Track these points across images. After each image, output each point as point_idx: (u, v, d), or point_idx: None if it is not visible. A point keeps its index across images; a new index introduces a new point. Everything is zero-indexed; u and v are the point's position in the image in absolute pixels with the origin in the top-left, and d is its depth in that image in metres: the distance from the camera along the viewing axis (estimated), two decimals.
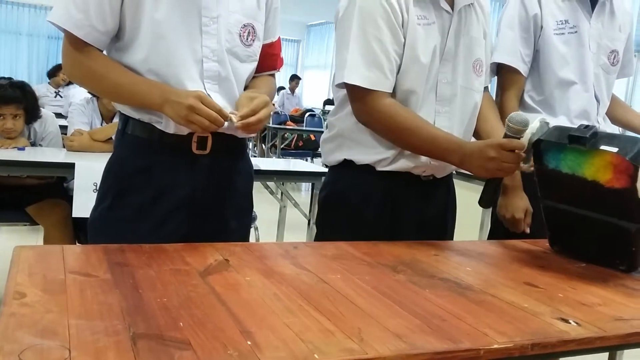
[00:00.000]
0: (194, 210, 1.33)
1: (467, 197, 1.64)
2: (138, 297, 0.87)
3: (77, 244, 2.81)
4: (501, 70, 1.73)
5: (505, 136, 1.27)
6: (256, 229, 3.30)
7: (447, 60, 1.43)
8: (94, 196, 2.32)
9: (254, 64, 1.39)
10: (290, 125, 8.01)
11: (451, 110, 1.45)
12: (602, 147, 1.20)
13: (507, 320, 0.91)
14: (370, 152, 1.45)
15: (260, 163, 2.95)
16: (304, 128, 7.85)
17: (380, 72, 1.36)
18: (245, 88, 1.38)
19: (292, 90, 10.56)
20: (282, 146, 7.54)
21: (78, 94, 6.39)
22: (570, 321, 0.92)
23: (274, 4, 1.42)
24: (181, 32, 1.25)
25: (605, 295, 1.08)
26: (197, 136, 1.29)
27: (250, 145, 9.53)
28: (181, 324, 0.78)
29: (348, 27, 1.37)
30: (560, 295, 1.06)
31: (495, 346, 0.81)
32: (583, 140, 1.22)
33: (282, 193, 3.31)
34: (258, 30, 1.36)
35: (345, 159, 1.50)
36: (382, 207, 1.46)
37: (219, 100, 1.27)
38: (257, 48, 1.38)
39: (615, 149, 1.18)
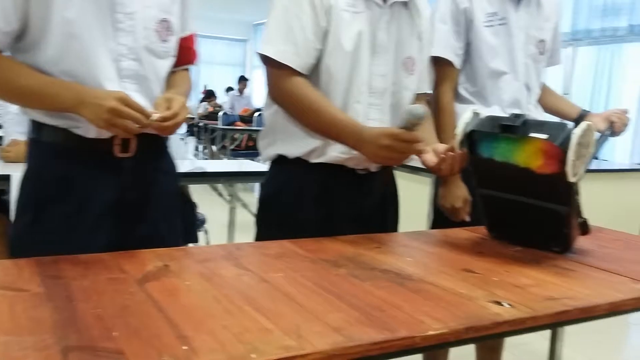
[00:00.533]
0: (123, 216, 1.29)
1: (413, 188, 1.67)
2: (72, 309, 0.85)
3: None
4: (436, 64, 1.77)
5: (402, 127, 1.28)
6: (206, 232, 3.27)
7: (380, 54, 1.45)
8: None
9: (172, 60, 1.36)
10: (240, 125, 7.95)
11: (383, 104, 1.47)
12: (532, 135, 1.24)
13: (443, 306, 0.93)
14: (300, 144, 1.45)
15: (206, 165, 2.92)
16: (254, 128, 7.80)
17: (294, 48, 1.38)
18: (166, 86, 1.35)
19: (241, 91, 10.50)
20: (232, 147, 7.48)
21: None
22: (504, 303, 0.95)
23: None
24: (95, 30, 1.20)
25: (538, 276, 1.13)
26: (120, 139, 1.26)
27: (200, 147, 9.42)
28: (115, 333, 0.77)
29: (274, 4, 1.41)
30: (495, 279, 1.10)
31: (431, 332, 0.83)
32: (514, 128, 1.26)
33: (230, 195, 3.29)
34: (174, 24, 1.33)
35: (278, 154, 1.51)
36: (317, 202, 1.47)
37: (139, 99, 1.23)
38: (173, 43, 1.35)
39: (544, 136, 1.23)
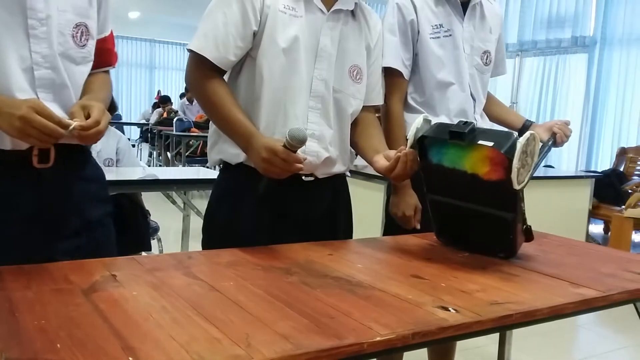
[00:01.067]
0: (47, 228, 1.23)
1: (367, 195, 1.69)
2: (14, 321, 0.83)
3: None
4: (386, 75, 1.80)
5: (284, 145, 1.30)
6: (159, 240, 3.22)
7: (323, 58, 1.47)
8: None
9: (90, 65, 1.29)
10: (195, 132, 7.86)
11: (324, 109, 1.48)
12: (480, 142, 1.28)
13: (391, 312, 0.95)
14: (235, 147, 1.45)
15: (159, 172, 2.88)
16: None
17: (213, 42, 1.41)
18: (83, 91, 1.28)
19: (190, 100, 10.32)
20: (187, 153, 7.39)
21: None
22: (450, 309, 0.98)
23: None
24: (5, 37, 1.12)
25: (484, 282, 1.16)
26: (38, 149, 1.18)
27: (155, 154, 9.26)
28: (59, 345, 0.75)
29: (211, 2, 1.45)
30: (442, 284, 1.12)
31: (378, 338, 0.84)
32: (462, 135, 1.29)
33: (184, 203, 3.25)
34: (91, 28, 1.27)
35: (222, 160, 1.51)
36: (261, 208, 1.45)
37: (55, 109, 1.15)
38: (91, 47, 1.28)
39: (491, 143, 1.27)
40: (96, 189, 1.35)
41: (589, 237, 4.54)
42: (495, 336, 1.88)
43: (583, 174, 4.94)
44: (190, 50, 1.44)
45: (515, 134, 1.28)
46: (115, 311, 0.89)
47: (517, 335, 2.07)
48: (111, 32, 1.39)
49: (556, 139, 1.87)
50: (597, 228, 5.61)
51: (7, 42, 1.13)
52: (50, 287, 0.98)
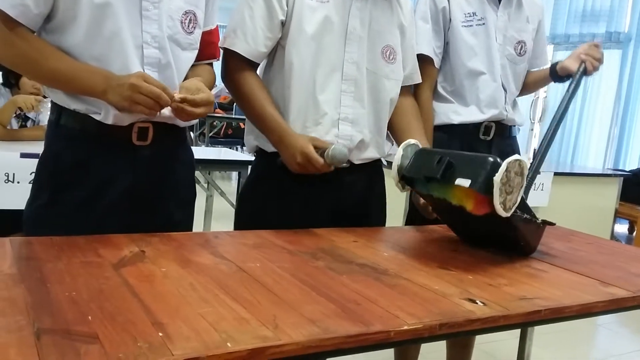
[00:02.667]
0: (136, 204, 1.29)
1: (391, 184, 1.67)
2: (45, 291, 0.84)
3: None
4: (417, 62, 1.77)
5: (322, 154, 1.35)
6: None
7: (353, 41, 1.46)
8: (6, 187, 2.22)
9: (195, 52, 1.36)
10: (219, 113, 7.88)
11: (358, 92, 1.47)
12: (457, 182, 1.20)
13: (418, 302, 0.94)
14: None
15: None
16: (233, 116, 7.75)
17: (242, 36, 1.42)
18: (186, 77, 1.35)
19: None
20: (210, 134, 7.42)
21: None
22: (477, 301, 0.97)
23: None
24: (122, 16, 1.20)
25: (512, 276, 1.14)
26: (138, 127, 1.26)
27: None
28: (90, 317, 0.76)
29: None
30: (469, 277, 1.11)
31: (405, 327, 0.84)
32: (436, 180, 1.24)
33: (208, 182, 3.27)
34: (199, 17, 1.34)
35: (258, 146, 1.51)
36: (295, 195, 1.46)
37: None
38: (197, 36, 1.35)
39: (467, 183, 1.18)
40: (186, 171, 1.41)
41: (614, 237, 4.47)
42: (514, 330, 1.86)
43: (611, 172, 4.85)
44: (223, 48, 1.45)
45: (491, 160, 1.18)
46: (145, 286, 0.89)
47: (536, 331, 2.05)
48: (216, 27, 1.45)
49: (587, 67, 1.74)
50: (621, 228, 5.52)
51: (124, 20, 1.21)
52: (80, 260, 0.99)
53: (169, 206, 1.36)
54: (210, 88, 1.37)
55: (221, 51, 1.47)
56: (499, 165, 1.15)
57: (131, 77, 1.16)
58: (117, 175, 1.26)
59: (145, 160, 1.29)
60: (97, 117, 1.23)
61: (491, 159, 1.18)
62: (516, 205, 1.19)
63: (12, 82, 2.94)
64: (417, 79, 1.67)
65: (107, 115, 1.23)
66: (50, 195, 1.26)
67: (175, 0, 1.28)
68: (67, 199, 1.25)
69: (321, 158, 1.36)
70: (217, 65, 1.51)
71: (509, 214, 1.18)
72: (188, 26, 1.32)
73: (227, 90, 1.60)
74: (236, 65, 1.44)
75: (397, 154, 1.35)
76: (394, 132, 1.61)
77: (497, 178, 1.14)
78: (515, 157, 1.17)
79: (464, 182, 1.19)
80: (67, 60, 1.19)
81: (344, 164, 1.38)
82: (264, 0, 1.41)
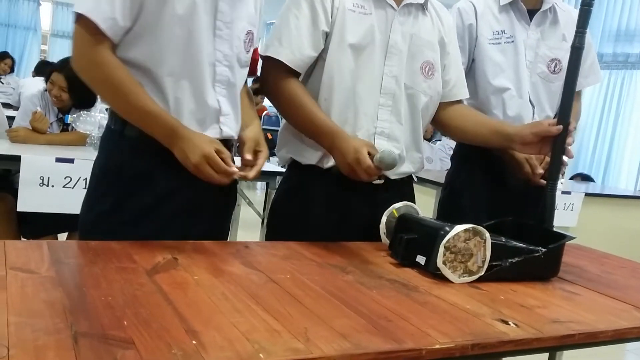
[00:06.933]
0: (194, 213, 1.33)
1: (419, 200, 1.66)
2: (82, 295, 0.86)
3: (22, 239, 2.72)
4: None
5: (374, 160, 1.33)
6: None
7: (394, 54, 1.46)
8: (40, 190, 2.28)
9: (247, 69, 1.41)
10: None
11: (395, 105, 1.47)
12: (417, 259, 1.22)
13: (449, 321, 0.93)
14: (311, 150, 1.47)
15: None
16: (261, 126, 7.78)
17: (288, 46, 1.41)
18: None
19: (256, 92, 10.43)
20: (238, 144, 7.46)
21: (29, 84, 6.20)
22: (510, 322, 0.96)
23: (261, 9, 1.44)
24: (200, 32, 1.24)
25: (545, 298, 1.13)
26: None
27: None
28: (125, 322, 0.77)
29: (283, 6, 1.46)
30: (501, 297, 1.10)
31: (437, 346, 0.83)
32: (397, 257, 1.27)
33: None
34: (255, 36, 1.39)
35: (292, 158, 1.51)
36: (328, 208, 1.47)
37: (226, 105, 1.31)
38: (251, 53, 1.41)
39: (423, 260, 1.20)
40: (234, 181, 1.41)
41: None
42: (541, 354, 1.83)
43: None
44: (265, 56, 1.45)
45: (443, 229, 1.17)
46: (178, 294, 0.90)
47: (564, 354, 2.01)
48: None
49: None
50: None
51: (200, 38, 1.25)
52: (115, 265, 1.00)
53: (222, 214, 1.42)
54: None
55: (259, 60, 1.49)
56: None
57: (197, 155, 1.19)
58: (179, 186, 1.29)
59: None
60: None
61: (441, 232, 1.17)
62: (486, 261, 1.18)
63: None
64: (461, 95, 1.63)
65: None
66: (113, 202, 1.27)
67: (241, 21, 1.32)
68: (130, 207, 1.27)
69: (370, 161, 1.34)
70: None
71: (481, 273, 1.18)
72: (248, 45, 1.36)
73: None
74: (279, 73, 1.43)
75: (386, 214, 1.39)
76: (463, 132, 1.61)
77: (439, 261, 1.15)
78: (454, 231, 1.16)
79: (422, 261, 1.21)
80: (143, 100, 1.20)
81: (390, 170, 1.36)
82: (310, 11, 1.41)
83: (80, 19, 1.18)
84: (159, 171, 1.27)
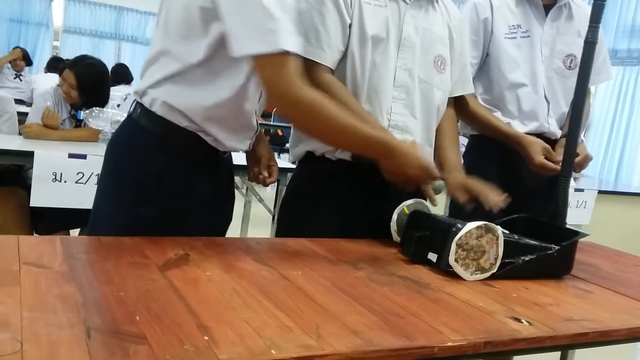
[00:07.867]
0: (213, 206, 1.37)
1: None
2: (94, 290, 0.86)
3: (35, 234, 2.74)
4: None
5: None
6: None
7: (407, 47, 1.45)
8: (53, 185, 2.29)
9: None
10: (260, 120, 7.94)
11: (409, 99, 1.45)
12: (429, 257, 1.21)
13: (461, 318, 0.93)
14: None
15: None
16: (272, 123, 7.80)
17: (317, 44, 1.37)
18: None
19: None
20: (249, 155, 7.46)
21: (41, 80, 6.24)
22: (523, 320, 0.95)
23: None
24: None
25: (557, 296, 1.12)
26: None
27: None
28: (138, 318, 0.77)
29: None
30: (514, 295, 1.09)
31: (449, 344, 0.83)
32: (407, 256, 1.27)
33: (247, 188, 3.30)
34: None
35: (307, 151, 1.50)
36: (337, 206, 1.46)
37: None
38: None
39: (435, 258, 1.19)
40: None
41: None
42: (553, 353, 1.82)
43: None
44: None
45: (455, 226, 1.16)
46: (190, 289, 0.90)
47: (577, 352, 2.00)
48: None
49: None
50: None
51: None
52: (127, 260, 1.01)
53: (230, 205, 1.49)
54: None
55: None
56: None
57: (415, 166, 1.28)
58: (203, 181, 1.32)
59: (224, 166, 1.40)
60: (204, 137, 1.28)
61: (453, 229, 1.16)
62: (499, 258, 1.17)
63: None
64: (467, 89, 1.64)
65: (218, 142, 1.30)
66: (157, 207, 1.27)
67: None
68: (173, 210, 1.28)
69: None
70: None
71: (494, 271, 1.17)
72: None
73: None
74: (319, 74, 1.36)
75: (396, 211, 1.39)
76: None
77: (451, 259, 1.14)
78: (466, 228, 1.15)
79: (433, 258, 1.21)
80: (360, 131, 1.22)
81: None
82: (334, 5, 1.38)
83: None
84: (198, 176, 1.31)
